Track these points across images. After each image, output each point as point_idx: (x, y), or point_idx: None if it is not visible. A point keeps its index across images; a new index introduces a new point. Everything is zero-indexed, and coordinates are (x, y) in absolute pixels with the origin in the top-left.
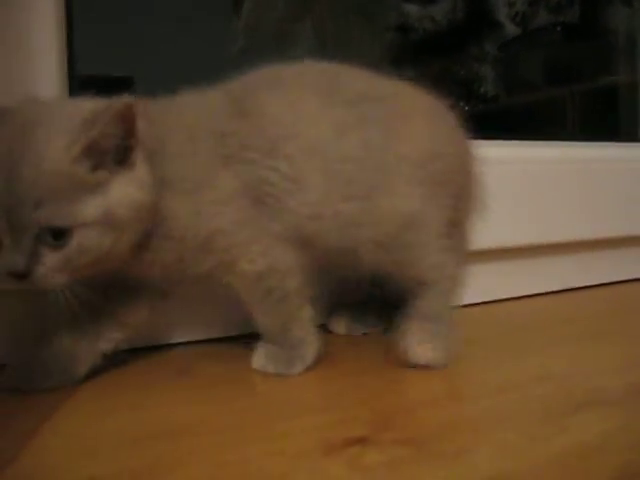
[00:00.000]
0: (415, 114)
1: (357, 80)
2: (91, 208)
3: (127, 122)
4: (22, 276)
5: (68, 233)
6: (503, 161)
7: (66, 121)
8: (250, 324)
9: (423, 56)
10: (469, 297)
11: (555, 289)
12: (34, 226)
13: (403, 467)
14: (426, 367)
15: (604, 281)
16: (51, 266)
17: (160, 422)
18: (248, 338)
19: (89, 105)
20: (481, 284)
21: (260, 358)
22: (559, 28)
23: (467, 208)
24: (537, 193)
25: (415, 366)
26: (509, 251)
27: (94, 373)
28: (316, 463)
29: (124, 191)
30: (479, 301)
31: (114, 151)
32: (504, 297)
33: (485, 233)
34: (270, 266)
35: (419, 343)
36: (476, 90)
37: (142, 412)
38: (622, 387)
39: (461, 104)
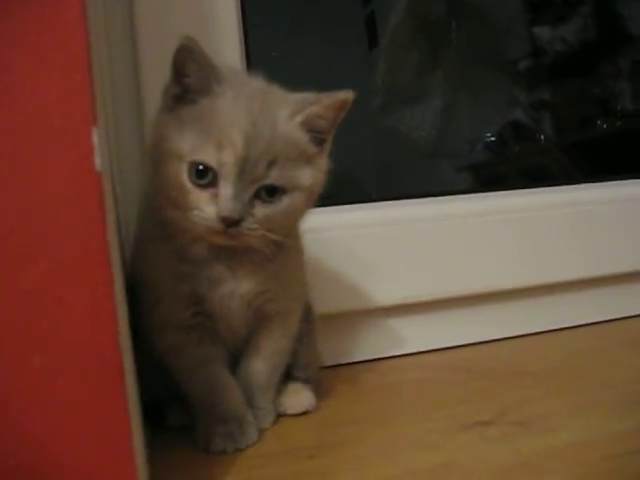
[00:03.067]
0: None
1: None
2: (306, 176)
3: (340, 112)
4: (234, 223)
5: (283, 193)
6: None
7: (287, 95)
8: None
9: (557, 78)
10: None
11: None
12: (262, 181)
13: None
14: None
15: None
16: (259, 218)
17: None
18: None
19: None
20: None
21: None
22: None
23: None
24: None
25: None
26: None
27: None
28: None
29: (322, 173)
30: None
31: (319, 134)
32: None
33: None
34: None
35: None
36: (613, 107)
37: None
38: None
39: (599, 122)
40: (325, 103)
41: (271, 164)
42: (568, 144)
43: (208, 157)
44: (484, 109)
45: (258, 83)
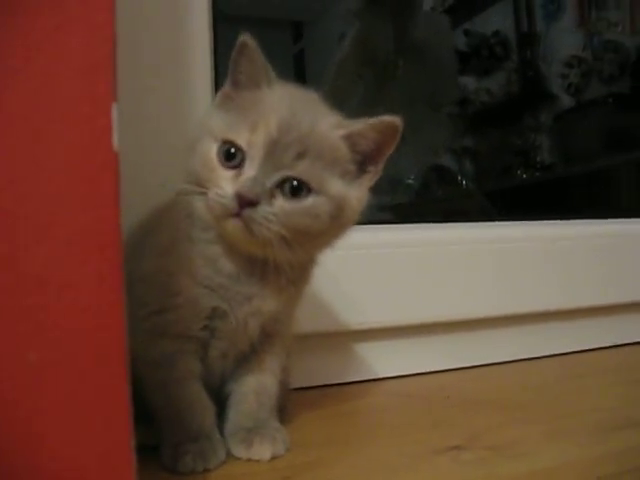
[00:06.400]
0: None
1: None
2: (337, 186)
3: (385, 136)
4: (249, 203)
5: (308, 193)
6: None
7: (334, 112)
8: None
9: (481, 127)
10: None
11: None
12: (288, 171)
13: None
14: None
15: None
16: (276, 211)
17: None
18: None
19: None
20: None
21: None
22: (611, 99)
23: None
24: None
25: None
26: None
27: None
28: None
29: (356, 198)
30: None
31: (362, 158)
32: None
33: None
34: None
35: None
36: (532, 159)
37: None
38: None
39: (518, 172)
40: (370, 123)
41: (300, 155)
42: (489, 190)
43: (240, 137)
44: (416, 150)
45: (311, 95)
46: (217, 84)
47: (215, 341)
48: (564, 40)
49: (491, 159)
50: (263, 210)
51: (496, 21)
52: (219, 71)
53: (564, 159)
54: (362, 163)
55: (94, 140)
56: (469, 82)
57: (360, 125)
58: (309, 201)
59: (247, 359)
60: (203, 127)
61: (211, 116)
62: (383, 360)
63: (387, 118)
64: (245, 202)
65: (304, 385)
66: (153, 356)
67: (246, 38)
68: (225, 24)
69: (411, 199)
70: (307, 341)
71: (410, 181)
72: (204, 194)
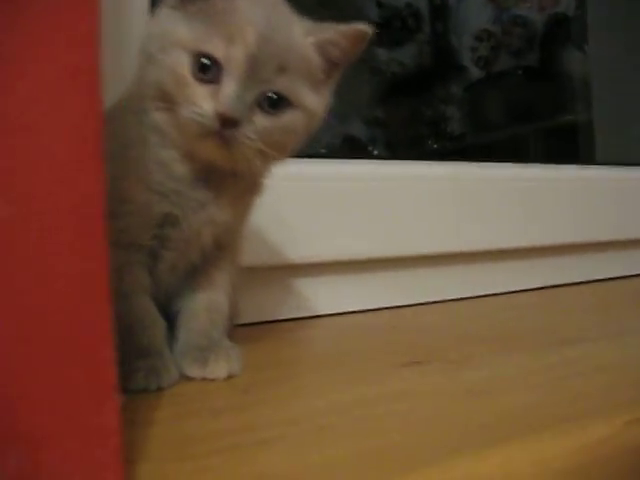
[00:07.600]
0: None
1: None
2: (311, 98)
3: (356, 44)
4: (232, 123)
5: (287, 107)
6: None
7: (300, 17)
8: None
9: (392, 98)
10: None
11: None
12: (268, 85)
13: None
14: None
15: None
16: (257, 129)
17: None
18: None
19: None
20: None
21: None
22: (520, 71)
23: None
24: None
25: None
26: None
27: None
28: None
29: (323, 105)
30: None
31: (330, 65)
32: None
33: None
34: None
35: None
36: (443, 129)
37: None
38: None
39: (429, 142)
40: (341, 30)
41: (281, 70)
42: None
43: (216, 49)
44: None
45: None
46: None
47: (165, 252)
48: (475, 14)
49: (402, 129)
50: (246, 130)
51: None
52: None
53: (474, 129)
54: (329, 70)
55: None
56: (381, 53)
57: (332, 32)
58: (287, 116)
59: (196, 275)
60: (164, 36)
61: (172, 22)
62: (332, 295)
63: (359, 26)
64: (228, 122)
65: (250, 321)
66: None
67: None
68: None
69: None
70: (252, 274)
71: (322, 152)
72: (172, 110)
